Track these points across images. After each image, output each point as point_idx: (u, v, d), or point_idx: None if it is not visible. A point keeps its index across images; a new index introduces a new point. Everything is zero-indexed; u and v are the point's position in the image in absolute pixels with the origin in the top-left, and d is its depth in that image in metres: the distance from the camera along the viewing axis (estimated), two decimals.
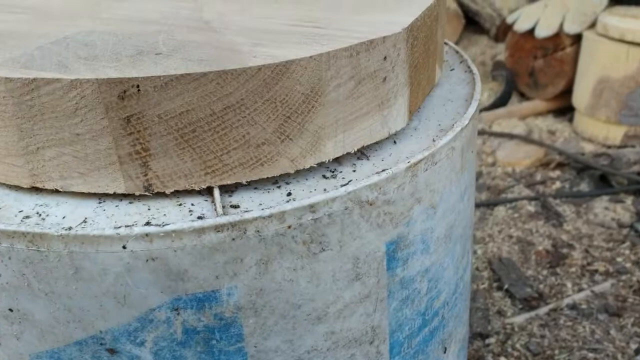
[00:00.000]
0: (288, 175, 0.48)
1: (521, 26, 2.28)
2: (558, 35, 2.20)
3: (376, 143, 0.52)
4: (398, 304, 0.53)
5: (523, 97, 2.45)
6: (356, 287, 0.49)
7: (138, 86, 0.40)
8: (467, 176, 0.57)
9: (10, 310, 0.45)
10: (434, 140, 0.52)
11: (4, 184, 0.47)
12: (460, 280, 0.63)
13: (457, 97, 0.60)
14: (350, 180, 0.46)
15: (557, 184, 1.92)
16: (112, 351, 0.45)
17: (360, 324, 0.51)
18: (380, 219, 0.47)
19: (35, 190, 0.46)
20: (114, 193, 0.45)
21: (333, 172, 0.48)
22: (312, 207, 0.44)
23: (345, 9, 0.55)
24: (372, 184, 0.46)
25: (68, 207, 0.45)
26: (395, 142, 0.52)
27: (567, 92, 2.27)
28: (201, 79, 0.41)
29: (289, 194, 0.45)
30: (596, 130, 2.13)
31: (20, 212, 0.45)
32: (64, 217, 0.44)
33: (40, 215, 0.44)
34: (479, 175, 1.99)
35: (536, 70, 2.32)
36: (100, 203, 0.45)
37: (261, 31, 0.49)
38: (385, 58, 0.47)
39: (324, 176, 0.48)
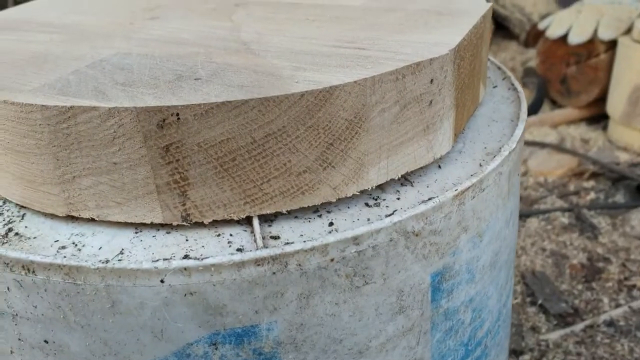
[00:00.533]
0: (329, 203, 0.46)
1: (553, 32, 2.23)
2: (592, 41, 2.15)
3: (420, 168, 0.49)
4: (441, 336, 0.51)
5: (555, 104, 2.40)
6: (399, 320, 0.47)
7: (178, 114, 0.39)
8: (512, 201, 0.55)
9: (46, 342, 0.44)
10: (480, 165, 0.50)
11: (39, 212, 0.46)
12: (504, 307, 0.60)
13: (502, 117, 0.58)
14: (395, 210, 0.44)
15: (592, 195, 1.87)
16: None
17: (403, 357, 0.48)
18: (426, 249, 0.45)
19: (70, 218, 0.45)
20: (151, 223, 0.43)
21: (376, 199, 0.46)
22: (355, 240, 0.42)
23: (386, 28, 0.53)
24: (418, 214, 0.43)
25: (104, 237, 0.43)
26: (440, 166, 0.50)
27: (601, 99, 2.21)
28: (242, 106, 0.39)
29: (331, 224, 0.44)
30: (631, 139, 2.07)
31: (56, 241, 0.43)
32: (100, 248, 0.42)
33: (76, 245, 0.43)
34: None
35: (569, 77, 2.27)
36: (137, 233, 0.44)
37: (302, 53, 0.47)
38: (432, 81, 0.45)
39: (366, 204, 0.46)
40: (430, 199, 0.45)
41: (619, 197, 1.85)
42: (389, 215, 0.43)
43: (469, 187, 0.46)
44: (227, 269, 0.40)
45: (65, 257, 0.41)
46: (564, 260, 1.60)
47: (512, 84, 0.64)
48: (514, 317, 1.41)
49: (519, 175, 0.56)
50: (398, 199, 0.46)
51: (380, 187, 0.48)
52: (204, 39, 0.52)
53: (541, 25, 2.37)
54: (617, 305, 1.44)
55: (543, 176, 1.97)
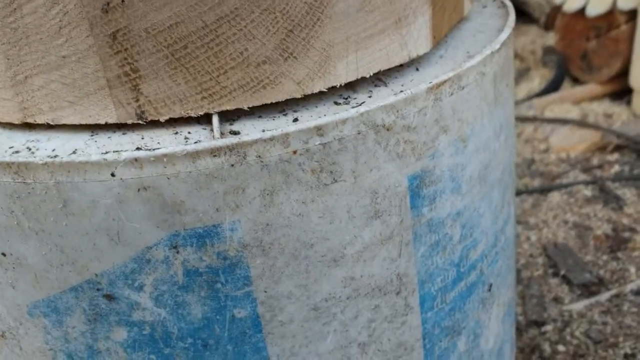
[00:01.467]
0: (296, 102, 0.43)
1: (571, 6, 2.17)
2: (611, 12, 2.08)
3: (396, 69, 0.47)
4: (426, 250, 0.47)
5: (576, 82, 2.33)
6: (376, 225, 0.44)
7: None
8: (502, 112, 0.51)
9: (3, 254, 0.42)
10: (461, 66, 0.46)
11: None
12: (501, 234, 0.56)
13: (489, 29, 0.54)
14: (363, 102, 0.41)
15: (616, 168, 1.80)
16: (109, 297, 0.42)
17: (384, 269, 0.45)
18: (400, 147, 0.42)
19: (27, 126, 0.44)
20: (107, 124, 0.41)
21: (346, 98, 0.43)
22: (319, 130, 0.39)
23: None
24: (387, 105, 0.41)
25: (59, 141, 0.41)
26: (417, 69, 0.47)
27: (624, 73, 2.14)
28: None
29: (296, 120, 0.41)
30: None
31: (10, 147, 0.42)
32: (53, 150, 0.40)
33: (30, 149, 0.41)
34: (531, 162, 1.89)
35: (589, 52, 2.20)
36: (92, 135, 0.42)
37: None
38: None
39: (335, 102, 0.43)
40: (402, 91, 0.42)
41: None
42: (356, 106, 0.40)
43: (445, 81, 0.43)
44: (181, 160, 0.37)
45: (14, 156, 0.39)
46: (588, 231, 1.54)
47: (502, 2, 0.61)
48: (536, 288, 1.35)
49: (509, 86, 0.53)
50: (370, 97, 0.43)
51: (352, 87, 0.45)
52: None
53: (558, 0, 2.31)
54: None
55: (565, 152, 1.91)
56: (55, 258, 0.41)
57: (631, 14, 2.04)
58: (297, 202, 0.40)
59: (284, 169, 0.39)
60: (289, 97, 0.42)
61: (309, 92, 0.42)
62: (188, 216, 0.39)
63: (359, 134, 0.40)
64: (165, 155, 0.37)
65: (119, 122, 0.41)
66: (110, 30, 0.38)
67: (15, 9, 0.38)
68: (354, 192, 0.42)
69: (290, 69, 0.41)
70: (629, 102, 2.15)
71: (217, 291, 0.42)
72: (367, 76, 0.44)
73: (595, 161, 1.86)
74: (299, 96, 0.42)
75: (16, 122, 0.43)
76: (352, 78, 0.43)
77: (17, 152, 0.41)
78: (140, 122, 0.41)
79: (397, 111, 0.41)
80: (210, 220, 0.40)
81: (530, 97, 2.27)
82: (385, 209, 0.43)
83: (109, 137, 0.41)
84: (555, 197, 1.69)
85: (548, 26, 2.88)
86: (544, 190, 1.72)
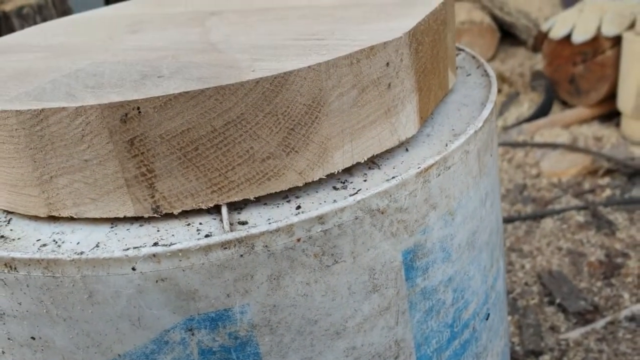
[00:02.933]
0: (298, 189, 0.47)
1: (557, 33, 2.23)
2: (596, 39, 2.14)
3: (387, 152, 0.51)
4: (422, 316, 0.51)
5: (565, 105, 2.39)
6: (374, 299, 0.47)
7: (139, 108, 0.41)
8: (487, 181, 0.55)
9: (33, 338, 0.46)
10: (446, 145, 0.51)
11: (24, 215, 0.48)
12: (491, 290, 0.60)
13: (473, 102, 0.59)
14: (359, 190, 0.45)
15: (607, 192, 1.85)
16: None
17: (383, 337, 0.49)
18: (394, 227, 0.46)
19: (52, 219, 0.47)
20: (125, 217, 0.45)
21: (344, 183, 0.48)
22: (320, 219, 0.43)
23: (349, 21, 0.55)
24: (381, 192, 0.45)
25: (82, 233, 0.45)
26: (407, 149, 0.51)
27: (611, 96, 2.20)
28: (199, 96, 0.41)
29: (298, 207, 0.45)
30: None
31: (37, 240, 0.46)
32: (78, 243, 0.44)
33: (56, 242, 0.45)
34: (523, 187, 1.93)
35: (577, 76, 2.26)
36: (112, 227, 0.46)
37: (263, 47, 0.49)
38: (387, 64, 0.47)
39: (334, 187, 0.47)
40: (393, 177, 0.46)
41: (636, 192, 1.82)
42: (353, 194, 0.44)
43: (432, 165, 0.47)
44: (195, 254, 0.41)
45: (43, 251, 0.43)
46: (581, 258, 1.57)
47: (485, 71, 0.65)
48: (532, 317, 1.39)
49: (494, 156, 0.57)
50: (365, 180, 0.47)
51: (348, 171, 0.49)
52: (175, 44, 0.55)
53: (544, 27, 2.38)
54: (638, 300, 1.41)
55: (556, 177, 1.96)
56: (82, 341, 0.45)
57: (615, 40, 2.10)
58: (302, 284, 0.44)
59: (289, 255, 0.43)
60: (291, 186, 0.46)
61: (310, 180, 0.46)
62: (201, 302, 0.43)
63: (356, 219, 0.44)
64: (180, 250, 0.41)
65: (136, 216, 0.45)
66: (128, 137, 0.42)
67: (42, 119, 0.42)
68: (354, 271, 0.46)
69: (292, 161, 0.45)
70: (617, 124, 2.21)
71: None
72: (362, 161, 0.48)
73: (586, 185, 1.91)
74: (301, 184, 0.46)
75: (42, 216, 0.47)
76: (348, 164, 0.47)
77: (44, 245, 0.45)
78: (155, 215, 0.45)
79: (390, 196, 0.45)
80: (221, 305, 0.43)
81: (520, 122, 2.32)
82: (382, 283, 0.47)
83: (127, 229, 0.45)
84: (548, 223, 1.73)
85: (536, 48, 2.95)
86: (537, 217, 1.76)
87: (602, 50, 2.15)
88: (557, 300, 1.43)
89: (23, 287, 0.44)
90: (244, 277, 0.43)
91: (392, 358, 0.50)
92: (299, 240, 0.43)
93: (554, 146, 2.09)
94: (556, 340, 1.33)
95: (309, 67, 0.43)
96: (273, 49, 0.49)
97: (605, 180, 1.91)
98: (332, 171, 0.47)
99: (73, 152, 0.43)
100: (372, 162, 0.50)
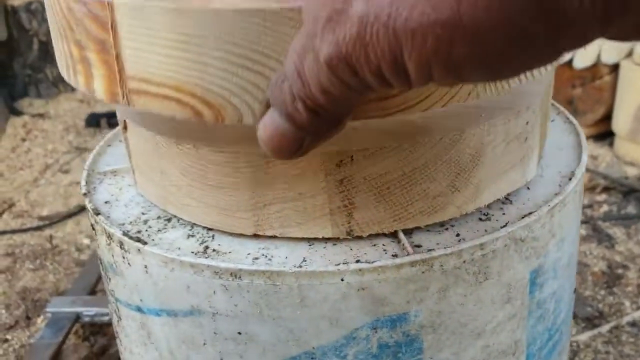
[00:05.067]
0: (453, 219, 0.59)
1: None
2: (595, 65, 2.31)
3: (515, 189, 0.63)
4: (534, 322, 0.64)
5: None
6: (507, 308, 0.60)
7: (352, 156, 0.53)
8: (580, 210, 0.69)
9: (239, 333, 0.57)
10: (560, 186, 0.63)
11: (229, 233, 0.59)
12: (571, 299, 0.74)
13: (566, 146, 0.72)
14: (507, 222, 0.58)
15: (605, 207, 2.02)
16: None
17: (507, 338, 0.62)
18: (528, 252, 0.59)
19: (254, 236, 0.59)
20: (322, 237, 0.57)
21: (487, 215, 0.60)
22: (481, 246, 0.55)
23: None
24: (524, 225, 0.57)
25: (287, 250, 0.57)
26: (528, 187, 0.64)
27: (606, 118, 2.37)
28: (398, 148, 0.53)
29: (458, 235, 0.57)
30: (638, 154, 2.22)
31: (248, 254, 0.57)
32: (286, 258, 0.56)
33: (266, 256, 0.56)
34: None
35: (575, 98, 2.43)
36: (310, 245, 0.57)
37: None
38: (527, 123, 0.59)
39: (480, 219, 0.59)
40: (530, 213, 0.58)
41: (631, 209, 1.99)
42: (504, 226, 0.57)
43: (557, 204, 0.60)
44: (390, 269, 0.53)
45: (264, 265, 0.54)
46: (585, 268, 1.73)
47: (567, 118, 0.78)
48: None
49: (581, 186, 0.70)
50: (504, 214, 0.60)
51: (487, 205, 0.61)
52: None
53: None
54: (638, 308, 1.57)
55: None
56: (283, 336, 0.56)
57: (613, 67, 2.28)
58: (461, 295, 0.56)
59: (456, 273, 0.55)
60: (451, 217, 0.58)
61: (464, 213, 0.58)
62: (387, 307, 0.55)
63: (505, 246, 0.57)
64: (380, 266, 0.53)
65: (332, 237, 0.56)
66: (339, 178, 0.53)
67: (268, 161, 0.54)
68: (497, 286, 0.58)
69: (454, 198, 0.57)
70: (611, 144, 2.38)
71: (398, 359, 0.57)
72: (500, 197, 0.61)
73: (585, 201, 2.07)
74: (458, 216, 0.58)
75: (247, 234, 0.58)
76: (491, 200, 0.60)
77: (256, 258, 0.56)
78: (348, 237, 0.56)
79: (529, 228, 0.58)
80: (402, 309, 0.55)
81: None
82: (514, 295, 0.60)
83: (324, 247, 0.57)
84: None
85: None
86: None
87: (601, 76, 2.32)
88: None
89: (243, 292, 0.55)
90: (422, 288, 0.55)
91: (511, 354, 0.63)
92: (464, 261, 0.55)
93: None
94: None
95: (479, 127, 0.55)
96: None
97: (603, 196, 2.08)
98: (480, 205, 0.59)
99: (291, 186, 0.54)
100: (505, 198, 0.62)
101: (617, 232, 1.87)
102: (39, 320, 1.92)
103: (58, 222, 2.49)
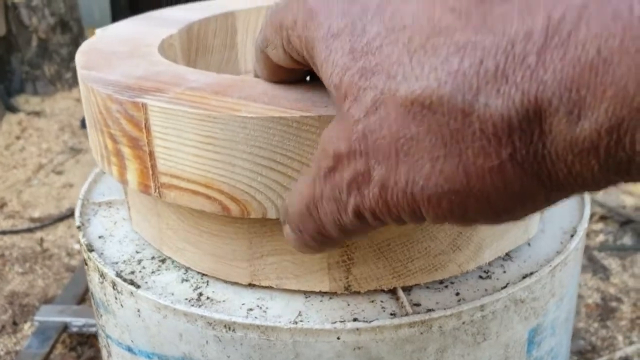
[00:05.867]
0: (452, 276, 0.58)
1: None
2: None
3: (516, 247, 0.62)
4: None
5: None
6: None
7: None
8: (580, 264, 0.68)
9: None
10: (561, 243, 0.62)
11: (224, 280, 0.58)
12: (567, 352, 0.73)
13: (568, 201, 0.71)
14: (507, 283, 0.57)
15: (601, 237, 2.01)
16: None
17: None
18: (527, 312, 0.58)
19: (250, 286, 0.57)
20: (319, 291, 0.56)
21: (487, 272, 0.59)
22: (481, 307, 0.54)
23: None
24: (524, 286, 0.56)
25: (282, 301, 0.56)
26: (529, 244, 0.63)
27: None
28: None
29: (457, 294, 0.56)
30: (635, 184, 2.22)
31: (243, 304, 0.56)
32: (281, 311, 0.54)
33: (261, 308, 0.55)
34: None
35: None
36: (307, 298, 0.56)
37: None
38: None
39: (480, 277, 0.58)
40: (531, 273, 0.57)
41: (627, 239, 1.99)
42: (504, 287, 0.56)
43: (559, 263, 0.59)
44: (388, 329, 0.52)
45: (258, 318, 0.53)
46: (579, 299, 1.72)
47: None
48: None
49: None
50: (504, 272, 0.59)
51: (488, 262, 0.60)
52: None
53: None
54: (631, 343, 1.57)
55: None
56: None
57: None
58: (458, 356, 0.55)
59: (454, 334, 0.54)
60: (451, 275, 0.57)
61: (464, 271, 0.57)
62: None
63: (505, 307, 0.56)
64: (378, 326, 0.52)
65: (329, 292, 0.55)
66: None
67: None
68: (495, 346, 0.57)
69: (455, 257, 0.56)
70: None
71: None
72: (501, 255, 0.60)
73: None
74: (458, 274, 0.57)
75: (243, 283, 0.57)
76: (492, 258, 0.59)
77: (251, 309, 0.55)
78: (345, 292, 0.55)
79: (529, 288, 0.57)
80: None
81: None
82: (511, 355, 0.59)
83: (320, 301, 0.55)
84: None
85: None
86: None
87: None
88: None
89: (237, 345, 0.54)
90: (420, 349, 0.54)
91: None
92: (464, 323, 0.54)
93: None
94: None
95: None
96: None
97: (599, 225, 2.08)
98: (481, 264, 0.58)
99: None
100: (506, 255, 0.61)
101: (613, 263, 1.87)
102: (26, 326, 1.90)
103: (49, 225, 2.47)
